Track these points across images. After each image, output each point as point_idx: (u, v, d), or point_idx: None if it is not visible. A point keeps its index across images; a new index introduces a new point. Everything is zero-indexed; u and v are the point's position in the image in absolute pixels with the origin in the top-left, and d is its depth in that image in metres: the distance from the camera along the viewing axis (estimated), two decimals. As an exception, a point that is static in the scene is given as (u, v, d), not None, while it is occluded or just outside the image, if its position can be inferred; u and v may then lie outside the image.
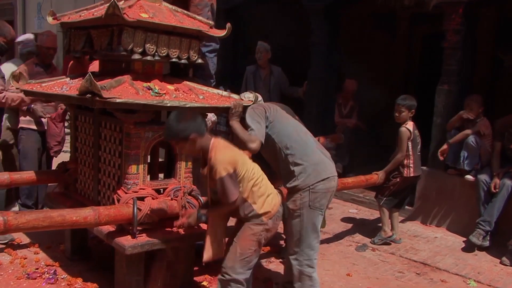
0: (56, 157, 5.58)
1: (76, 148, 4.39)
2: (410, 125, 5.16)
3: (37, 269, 4.28)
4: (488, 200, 5.36)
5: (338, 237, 5.64)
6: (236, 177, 3.21)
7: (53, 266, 4.35)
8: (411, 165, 5.19)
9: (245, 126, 3.71)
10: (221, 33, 4.08)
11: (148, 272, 3.89)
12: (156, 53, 3.77)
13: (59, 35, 5.51)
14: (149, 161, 3.92)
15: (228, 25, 4.05)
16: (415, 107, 5.19)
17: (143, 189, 3.74)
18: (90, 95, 3.32)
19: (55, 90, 3.87)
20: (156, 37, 3.73)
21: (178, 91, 3.85)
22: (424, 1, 5.97)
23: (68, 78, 4.16)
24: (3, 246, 4.75)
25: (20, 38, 5.92)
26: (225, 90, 4.24)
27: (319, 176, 3.66)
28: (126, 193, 3.68)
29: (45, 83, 4.10)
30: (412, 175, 5.22)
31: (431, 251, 5.32)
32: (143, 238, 3.62)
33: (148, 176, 3.91)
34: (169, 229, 3.80)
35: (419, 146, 5.26)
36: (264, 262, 4.76)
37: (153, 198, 3.73)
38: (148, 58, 3.74)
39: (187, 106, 3.62)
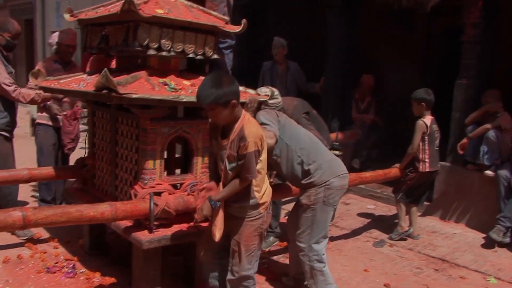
0: (70, 154, 5.64)
1: (93, 144, 4.43)
2: (427, 119, 5.11)
3: (56, 263, 4.34)
4: (509, 195, 5.29)
5: (355, 232, 5.61)
6: (259, 155, 3.11)
7: (72, 260, 4.41)
8: (427, 160, 5.14)
9: None
10: (237, 28, 4.08)
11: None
12: (172, 49, 3.78)
13: (78, 33, 5.53)
14: (166, 156, 3.94)
15: (244, 21, 4.05)
16: (431, 101, 5.14)
17: (160, 184, 3.76)
18: (106, 91, 3.34)
19: (73, 86, 3.90)
20: (172, 33, 3.74)
21: (194, 86, 3.85)
22: (423, 2, 5.93)
23: (86, 75, 4.19)
24: (24, 241, 4.82)
25: (50, 39, 5.98)
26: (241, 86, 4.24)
27: (334, 172, 3.76)
28: (143, 188, 3.70)
29: (63, 80, 4.14)
30: (427, 170, 5.17)
31: (449, 247, 5.27)
32: (160, 233, 3.63)
33: (165, 172, 3.92)
34: (186, 224, 3.82)
35: (437, 141, 5.21)
36: (281, 258, 4.76)
37: (169, 193, 3.74)
38: (164, 53, 3.76)
39: (203, 101, 3.63)
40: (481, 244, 5.36)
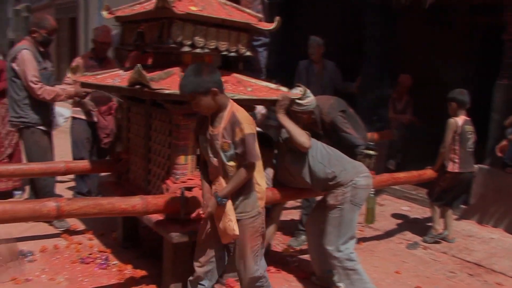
0: (106, 147, 5.75)
1: (128, 139, 4.51)
2: (460, 118, 5.02)
3: (90, 254, 4.45)
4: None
5: (388, 234, 5.54)
6: (255, 140, 3.01)
7: (106, 252, 4.51)
8: (457, 160, 5.03)
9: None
10: (270, 26, 4.08)
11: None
12: (205, 46, 3.81)
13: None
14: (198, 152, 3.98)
15: (277, 18, 4.05)
16: (464, 102, 5.05)
17: (191, 179, 3.79)
18: (139, 86, 3.40)
19: (108, 81, 3.98)
20: (205, 30, 3.78)
21: (227, 83, 3.87)
22: (421, 0, 5.82)
23: (122, 70, 4.27)
24: (61, 232, 4.96)
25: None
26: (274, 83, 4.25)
27: (358, 171, 3.81)
28: (174, 183, 3.74)
29: (99, 75, 4.24)
30: (457, 170, 5.06)
31: (486, 252, 5.14)
32: (190, 228, 3.67)
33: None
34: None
35: (469, 142, 5.08)
36: (307, 256, 4.73)
37: (200, 189, 3.78)
38: (198, 50, 3.79)
39: (235, 98, 3.65)
40: (520, 250, 5.21)
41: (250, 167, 3.03)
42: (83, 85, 4.36)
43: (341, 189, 3.74)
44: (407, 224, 5.90)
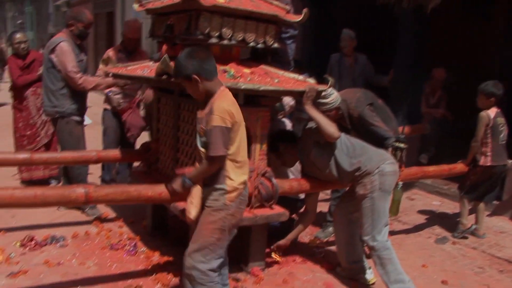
0: (133, 141, 5.88)
1: (158, 129, 4.60)
2: (492, 111, 4.94)
3: (120, 241, 4.56)
4: None
5: (417, 228, 5.50)
6: (229, 134, 2.96)
7: (134, 239, 4.61)
8: (489, 153, 4.95)
9: None
10: (297, 18, 4.09)
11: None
12: (233, 38, 3.85)
13: (147, 22, 5.75)
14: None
15: (305, 10, 4.05)
16: (497, 94, 4.95)
17: (217, 168, 3.85)
18: (166, 76, 3.47)
19: (138, 72, 4.07)
20: (233, 22, 3.82)
21: (254, 74, 3.92)
22: (422, 4, 5.69)
23: (152, 62, 4.35)
24: (92, 219, 5.10)
25: None
26: (310, 78, 4.25)
27: (383, 158, 3.84)
28: (201, 172, 3.80)
29: (130, 67, 4.33)
30: (489, 164, 4.98)
31: (518, 248, 5.06)
32: (215, 216, 3.73)
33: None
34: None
35: (501, 135, 5.00)
36: (334, 247, 4.74)
37: (226, 178, 3.83)
38: (225, 42, 3.84)
39: (261, 89, 3.69)
40: (554, 249, 5.10)
41: (210, 160, 2.99)
42: (115, 76, 4.47)
43: (368, 178, 3.76)
44: (437, 218, 5.84)
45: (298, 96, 4.04)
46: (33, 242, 4.39)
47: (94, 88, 5.05)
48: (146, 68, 4.05)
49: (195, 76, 3.00)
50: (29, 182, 5.97)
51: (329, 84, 4.03)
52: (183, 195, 3.23)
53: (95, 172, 6.26)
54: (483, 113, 4.98)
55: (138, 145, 4.94)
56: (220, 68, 3.78)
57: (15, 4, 40.65)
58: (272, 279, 4.03)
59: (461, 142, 6.62)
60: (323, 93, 4.06)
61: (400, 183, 4.46)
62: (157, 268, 4.05)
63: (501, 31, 8.23)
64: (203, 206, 3.14)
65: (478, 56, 7.65)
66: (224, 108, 2.95)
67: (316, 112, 3.84)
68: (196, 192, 3.12)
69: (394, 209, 4.50)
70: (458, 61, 7.37)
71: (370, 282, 4.05)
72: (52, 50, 4.96)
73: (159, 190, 3.49)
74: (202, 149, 3.08)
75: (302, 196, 4.71)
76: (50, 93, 5.05)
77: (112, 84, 5.18)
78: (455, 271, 4.45)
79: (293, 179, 4.25)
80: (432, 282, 4.18)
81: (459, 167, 5.11)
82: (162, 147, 4.52)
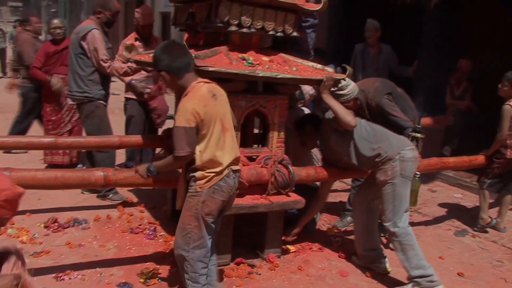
0: (160, 127, 5.97)
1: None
2: None
3: (140, 225, 4.67)
4: None
5: (437, 220, 5.48)
6: (194, 132, 3.01)
7: (154, 224, 4.71)
8: None
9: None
10: (317, 7, 4.10)
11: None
12: (252, 26, 3.88)
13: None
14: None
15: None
16: None
17: (236, 155, 3.90)
18: (184, 63, 3.52)
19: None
20: (252, 10, 3.85)
21: (273, 62, 3.95)
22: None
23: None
24: (115, 203, 5.22)
25: None
26: (335, 68, 4.26)
27: (404, 144, 3.85)
28: (218, 158, 3.86)
29: (152, 53, 4.38)
30: None
31: (540, 244, 4.99)
32: (232, 202, 3.79)
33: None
34: (258, 195, 3.95)
35: None
36: (351, 237, 4.76)
37: (244, 165, 3.89)
38: (244, 30, 3.87)
39: (279, 77, 3.73)
40: None
41: (175, 158, 3.08)
42: (137, 63, 4.54)
43: (389, 163, 3.77)
44: (458, 211, 5.80)
45: (316, 84, 4.06)
46: (56, 224, 4.52)
47: (123, 75, 5.15)
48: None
49: (163, 73, 3.12)
50: (54, 166, 6.12)
51: (347, 73, 4.03)
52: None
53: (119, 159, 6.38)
54: (507, 106, 4.90)
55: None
56: (238, 55, 3.85)
57: (50, -7, 41.30)
58: (287, 266, 4.08)
59: (485, 135, 6.56)
60: (340, 85, 4.07)
61: (418, 173, 4.43)
62: (174, 252, 4.14)
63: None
64: None
65: (506, 47, 7.48)
66: (187, 108, 3.00)
67: (333, 100, 3.87)
68: (180, 183, 3.25)
69: (413, 199, 4.46)
70: (485, 54, 7.22)
71: (385, 271, 4.06)
72: (84, 37, 5.05)
73: (176, 176, 3.56)
74: None
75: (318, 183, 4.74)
76: (79, 78, 5.13)
77: (139, 69, 5.27)
78: (472, 264, 4.43)
79: (310, 167, 4.27)
80: (448, 273, 4.17)
81: (480, 158, 5.05)
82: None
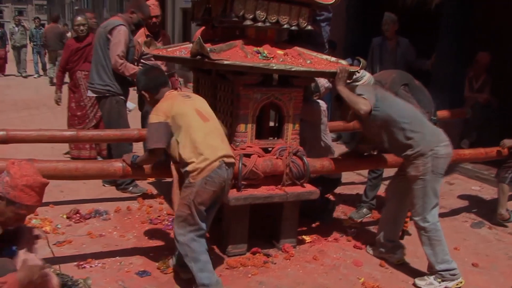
0: None
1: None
2: None
3: (159, 216, 4.79)
4: None
5: (454, 212, 5.48)
6: (164, 126, 3.32)
7: (173, 215, 4.77)
8: None
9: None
10: (331, 1, 4.14)
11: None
12: (267, 20, 3.95)
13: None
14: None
15: (338, -8, 4.11)
16: None
17: (251, 147, 3.99)
18: (200, 57, 3.62)
19: (176, 54, 4.24)
20: (267, 4, 3.91)
21: (287, 55, 4.01)
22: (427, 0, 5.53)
23: (190, 44, 4.51)
24: (135, 195, 5.36)
25: None
26: (352, 62, 4.30)
27: (439, 140, 3.79)
28: (234, 149, 3.94)
29: (170, 48, 4.51)
30: None
31: (558, 236, 4.96)
32: (247, 192, 3.88)
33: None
34: (274, 186, 4.03)
35: None
36: (371, 229, 4.81)
37: (259, 156, 3.97)
38: (259, 24, 3.94)
39: (293, 69, 3.80)
40: None
41: (147, 152, 3.47)
42: (156, 57, 4.66)
43: (421, 159, 3.72)
44: (476, 203, 5.79)
45: (330, 77, 4.12)
46: (78, 215, 4.66)
47: (132, 76, 5.23)
48: (183, 50, 4.22)
49: (143, 92, 3.60)
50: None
51: (360, 66, 4.08)
52: None
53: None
54: None
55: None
56: (253, 49, 3.92)
57: (73, -10, 41.91)
58: (302, 256, 4.15)
59: (505, 128, 6.53)
60: (355, 76, 4.12)
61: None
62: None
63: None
64: None
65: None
66: (158, 107, 3.43)
67: (346, 91, 3.85)
68: (175, 190, 3.53)
69: None
70: (504, 46, 7.17)
71: (399, 261, 4.11)
72: (111, 30, 5.15)
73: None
74: None
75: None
76: (103, 71, 5.21)
77: None
78: (487, 255, 4.44)
79: (325, 158, 4.33)
80: (462, 264, 4.18)
81: (496, 150, 5.04)
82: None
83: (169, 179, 3.86)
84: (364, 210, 5.09)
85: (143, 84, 3.58)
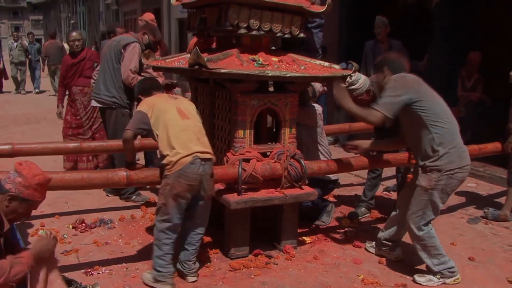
0: None
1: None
2: None
3: (161, 223, 4.88)
4: None
5: (451, 209, 5.58)
6: (143, 115, 3.66)
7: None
8: None
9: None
10: (321, 9, 4.27)
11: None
12: (260, 28, 4.08)
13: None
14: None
15: (328, 1, 4.23)
16: None
17: (249, 152, 4.12)
18: (197, 67, 3.75)
19: (175, 64, 4.36)
20: (260, 13, 4.05)
21: (282, 62, 4.14)
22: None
23: (188, 54, 4.63)
24: (139, 204, 5.47)
25: None
26: (346, 66, 4.42)
27: (461, 162, 3.73)
28: (233, 155, 4.08)
29: (168, 59, 4.63)
30: None
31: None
32: (247, 196, 4.01)
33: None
34: (273, 189, 4.15)
35: None
36: (369, 229, 4.92)
37: (258, 160, 4.10)
38: (253, 33, 4.07)
39: (288, 75, 3.93)
40: None
41: (124, 133, 3.73)
42: (155, 68, 4.78)
43: (436, 174, 3.68)
44: (472, 200, 5.91)
45: (324, 81, 4.25)
46: (83, 225, 4.78)
47: None
48: (181, 60, 4.34)
49: (139, 96, 4.04)
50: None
51: (353, 69, 4.20)
52: None
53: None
54: None
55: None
56: (249, 57, 4.05)
57: (69, 5, 42.18)
58: (303, 256, 4.26)
59: (498, 126, 6.64)
60: (351, 80, 4.25)
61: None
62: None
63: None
64: None
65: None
66: (143, 101, 3.85)
67: (354, 108, 3.84)
68: None
69: None
70: (495, 46, 7.32)
71: (397, 258, 4.21)
72: (126, 46, 5.33)
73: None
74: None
75: (332, 177, 4.93)
76: (111, 83, 5.35)
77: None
78: (484, 249, 4.55)
79: (322, 161, 4.46)
80: (459, 258, 4.28)
81: (490, 146, 5.13)
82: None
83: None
84: (363, 209, 5.21)
85: (139, 90, 4.08)
